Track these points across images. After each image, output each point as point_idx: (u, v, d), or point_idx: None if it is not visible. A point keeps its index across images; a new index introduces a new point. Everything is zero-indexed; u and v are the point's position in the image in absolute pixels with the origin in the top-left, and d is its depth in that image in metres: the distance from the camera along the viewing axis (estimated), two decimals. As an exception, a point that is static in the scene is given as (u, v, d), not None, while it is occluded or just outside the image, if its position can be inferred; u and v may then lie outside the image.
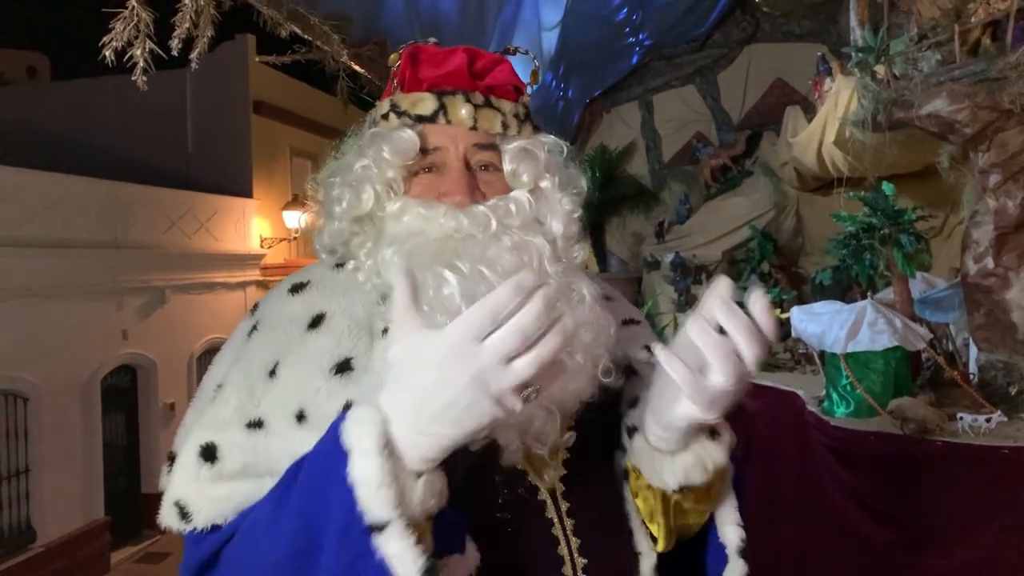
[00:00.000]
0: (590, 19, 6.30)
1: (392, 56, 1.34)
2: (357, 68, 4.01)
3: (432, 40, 1.36)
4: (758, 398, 4.69)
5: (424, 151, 1.25)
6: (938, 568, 3.17)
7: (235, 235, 13.30)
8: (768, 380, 4.78)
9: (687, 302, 6.88)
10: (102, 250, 10.69)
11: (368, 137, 1.30)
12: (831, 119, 4.88)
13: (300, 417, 1.09)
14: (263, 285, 13.95)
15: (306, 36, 3.49)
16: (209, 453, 1.08)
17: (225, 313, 13.05)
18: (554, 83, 7.30)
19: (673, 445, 1.12)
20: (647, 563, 1.21)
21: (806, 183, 6.76)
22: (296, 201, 14.48)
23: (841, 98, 4.61)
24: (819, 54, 5.78)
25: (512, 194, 1.26)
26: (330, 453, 0.91)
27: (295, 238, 14.43)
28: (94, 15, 2.59)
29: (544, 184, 1.30)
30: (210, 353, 12.64)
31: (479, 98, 1.28)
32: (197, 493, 1.08)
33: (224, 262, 13.08)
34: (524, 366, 0.87)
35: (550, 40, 6.14)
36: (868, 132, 4.11)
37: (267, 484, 1.05)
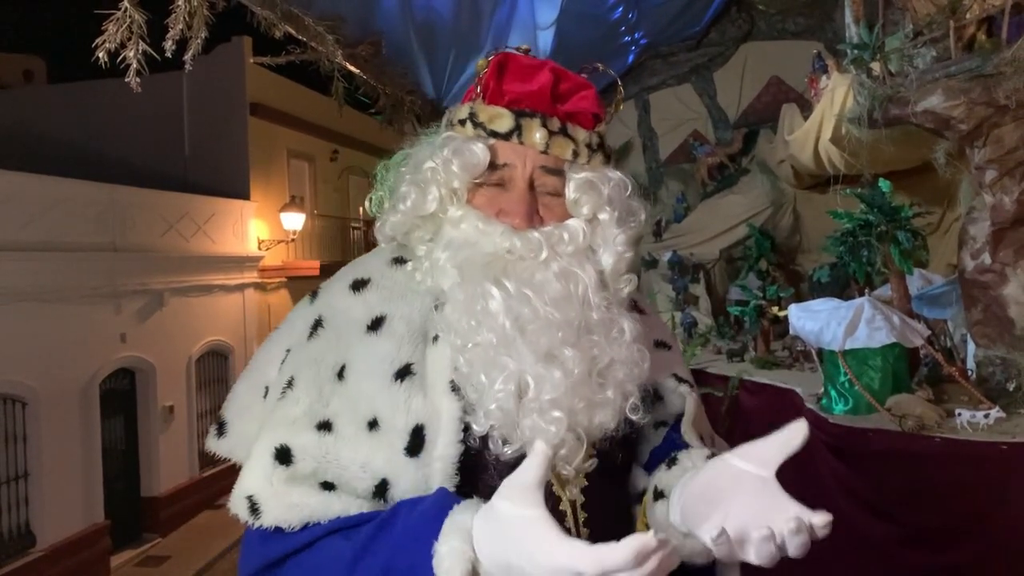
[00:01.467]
0: (585, 18, 6.30)
1: (480, 62, 1.35)
2: (352, 68, 4.01)
3: (524, 47, 1.38)
4: (756, 396, 4.69)
5: (493, 166, 1.28)
6: (937, 563, 3.17)
7: (233, 237, 13.29)
8: (766, 378, 4.78)
9: (685, 300, 6.89)
10: (100, 253, 10.68)
11: (443, 139, 1.34)
12: (827, 116, 4.88)
13: (372, 425, 1.17)
14: (261, 287, 13.95)
15: (300, 37, 3.49)
16: (284, 455, 1.16)
17: (223, 315, 13.05)
18: (550, 82, 7.30)
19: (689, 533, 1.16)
20: None
21: (803, 180, 6.77)
22: (294, 203, 14.48)
23: (837, 95, 4.61)
24: (815, 51, 5.78)
25: (569, 222, 1.29)
26: (421, 568, 0.99)
27: (292, 240, 14.42)
28: (90, 18, 2.59)
29: (603, 216, 1.32)
30: (209, 356, 12.75)
31: (556, 124, 1.30)
32: (270, 494, 1.14)
33: (222, 264, 13.07)
34: None
35: (545, 39, 6.12)
36: (864, 129, 4.11)
37: (334, 501, 1.13)
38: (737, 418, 4.83)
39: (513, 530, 0.95)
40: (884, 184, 4.14)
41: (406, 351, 1.22)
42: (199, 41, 2.68)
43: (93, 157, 13.39)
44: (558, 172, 1.30)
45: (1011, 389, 3.66)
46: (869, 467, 3.50)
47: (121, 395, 11.38)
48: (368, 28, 4.02)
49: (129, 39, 2.33)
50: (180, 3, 2.55)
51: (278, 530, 1.13)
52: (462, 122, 1.33)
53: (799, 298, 5.73)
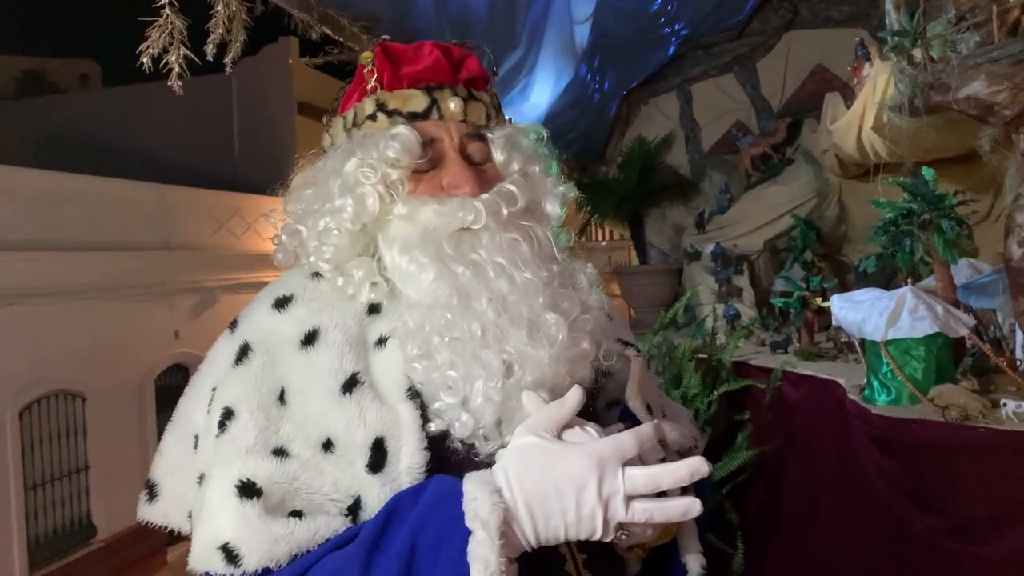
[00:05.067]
0: (623, 11, 6.27)
1: (364, 55, 1.33)
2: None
3: (385, 37, 1.37)
4: (799, 388, 4.66)
5: (422, 146, 1.25)
6: (981, 555, 3.13)
7: (282, 235, 13.51)
8: (810, 369, 4.74)
9: (728, 292, 6.84)
10: (153, 252, 10.96)
11: (359, 139, 1.29)
12: (869, 104, 4.80)
13: (327, 446, 1.10)
14: (310, 283, 14.14)
15: (337, 38, 3.56)
16: (249, 489, 1.05)
17: (273, 312, 13.25)
18: (589, 76, 7.28)
19: None
20: (632, 566, 1.25)
21: (848, 170, 6.66)
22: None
23: (878, 83, 4.54)
24: (857, 39, 5.69)
25: (508, 181, 1.28)
26: (451, 533, 0.97)
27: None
28: (144, 22, 2.70)
29: (533, 169, 1.33)
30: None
31: (463, 91, 1.30)
32: (248, 534, 1.03)
33: (272, 261, 13.26)
34: (641, 510, 1.00)
35: (582, 33, 6.12)
36: (905, 117, 4.05)
37: (320, 524, 1.05)
38: (780, 410, 4.79)
39: (539, 456, 1.01)
40: (927, 172, 4.08)
41: (349, 361, 1.14)
42: (238, 44, 2.77)
43: (145, 158, 13.72)
44: (481, 137, 1.30)
45: (1060, 379, 3.59)
46: (912, 458, 3.47)
47: (175, 391, 11.50)
48: (403, 27, 4.07)
49: (171, 44, 2.42)
50: (219, 8, 2.64)
51: (265, 572, 1.03)
52: (371, 117, 1.29)
53: (844, 289, 5.64)
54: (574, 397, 1.07)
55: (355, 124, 1.31)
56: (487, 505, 0.95)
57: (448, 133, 1.26)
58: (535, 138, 1.37)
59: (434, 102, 1.27)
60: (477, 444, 1.12)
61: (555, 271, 1.23)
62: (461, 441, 1.12)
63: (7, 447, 9.16)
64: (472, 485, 0.98)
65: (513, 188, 1.25)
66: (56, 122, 14.84)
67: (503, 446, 1.11)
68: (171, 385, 11.59)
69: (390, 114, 1.27)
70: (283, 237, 1.38)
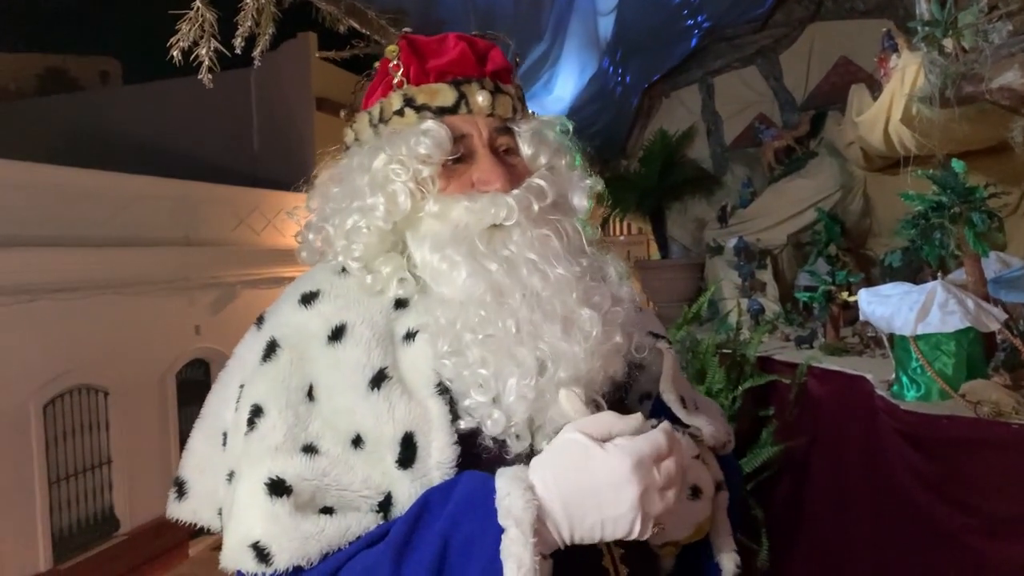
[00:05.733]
0: (647, 2, 6.23)
1: (389, 48, 1.31)
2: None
3: (407, 29, 1.35)
4: (825, 383, 4.61)
5: (452, 142, 1.23)
6: (1012, 554, 3.08)
7: (301, 230, 13.57)
8: (836, 365, 4.69)
9: (751, 287, 6.79)
10: (174, 248, 11.02)
11: (387, 135, 1.27)
12: (897, 96, 4.74)
13: (356, 442, 1.09)
14: (329, 279, 14.19)
15: (363, 31, 3.55)
16: (279, 487, 1.04)
17: (293, 307, 13.30)
18: (611, 68, 7.25)
19: None
20: (666, 562, 1.25)
21: (873, 163, 6.59)
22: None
23: (907, 74, 4.48)
24: (884, 30, 5.62)
25: (536, 175, 1.27)
26: (484, 531, 0.96)
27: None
28: (164, 19, 2.70)
29: (559, 163, 1.32)
30: (279, 346, 13.04)
31: (490, 84, 1.28)
32: (278, 532, 1.02)
33: (292, 257, 13.18)
34: (671, 498, 1.00)
35: (606, 25, 6.09)
36: (936, 108, 3.99)
37: (350, 521, 1.04)
38: (805, 406, 4.75)
39: (577, 453, 0.99)
40: (957, 164, 4.02)
41: (377, 356, 1.13)
42: (267, 37, 2.76)
43: (166, 154, 13.81)
44: (508, 131, 1.29)
45: (1094, 374, 3.54)
46: (942, 454, 3.42)
47: (196, 385, 11.75)
48: (429, 19, 4.05)
49: (201, 37, 2.42)
50: (249, 1, 2.63)
51: (296, 570, 1.02)
52: (399, 112, 1.27)
53: (870, 283, 5.59)
54: (636, 422, 1.04)
55: (382, 119, 1.30)
56: (520, 503, 0.94)
57: (477, 128, 1.25)
58: (561, 131, 1.36)
59: (462, 96, 1.25)
60: (508, 442, 1.11)
61: (585, 265, 1.22)
62: (493, 439, 1.11)
63: (31, 441, 9.23)
64: (505, 482, 0.97)
65: (542, 183, 1.24)
66: (77, 119, 14.94)
67: (533, 448, 1.10)
68: (192, 380, 11.67)
69: (418, 109, 1.26)
70: (308, 235, 1.37)
